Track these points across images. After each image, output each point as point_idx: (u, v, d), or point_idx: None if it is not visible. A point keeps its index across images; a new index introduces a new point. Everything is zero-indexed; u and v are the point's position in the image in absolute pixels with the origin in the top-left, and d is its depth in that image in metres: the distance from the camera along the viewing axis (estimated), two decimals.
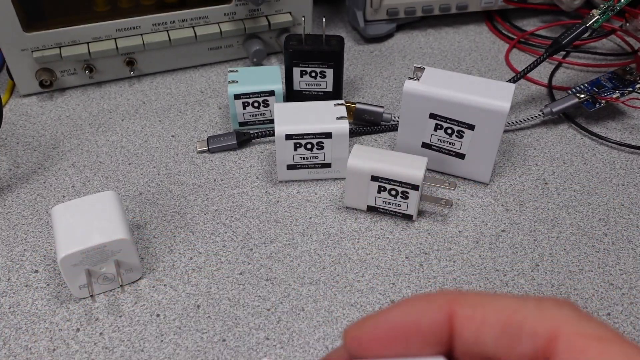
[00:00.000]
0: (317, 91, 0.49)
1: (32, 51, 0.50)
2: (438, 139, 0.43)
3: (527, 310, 0.16)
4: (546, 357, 0.15)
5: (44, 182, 0.44)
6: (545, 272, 0.38)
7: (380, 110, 0.49)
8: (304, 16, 0.49)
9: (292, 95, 0.49)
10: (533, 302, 0.16)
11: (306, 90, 0.49)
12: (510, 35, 0.62)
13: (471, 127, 0.41)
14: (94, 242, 0.33)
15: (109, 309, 0.36)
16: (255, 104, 0.47)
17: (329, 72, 0.48)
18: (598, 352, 0.15)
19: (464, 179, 0.45)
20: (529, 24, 0.63)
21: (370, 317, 0.17)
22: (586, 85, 0.51)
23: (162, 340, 0.34)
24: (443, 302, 0.16)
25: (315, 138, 0.42)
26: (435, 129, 0.43)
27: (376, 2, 0.58)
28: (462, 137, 0.42)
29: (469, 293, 0.16)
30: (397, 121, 0.49)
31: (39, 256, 0.39)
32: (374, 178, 0.39)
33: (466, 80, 0.42)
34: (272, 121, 0.48)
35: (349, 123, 0.42)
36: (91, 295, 0.35)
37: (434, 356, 0.17)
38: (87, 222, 0.35)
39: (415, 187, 0.39)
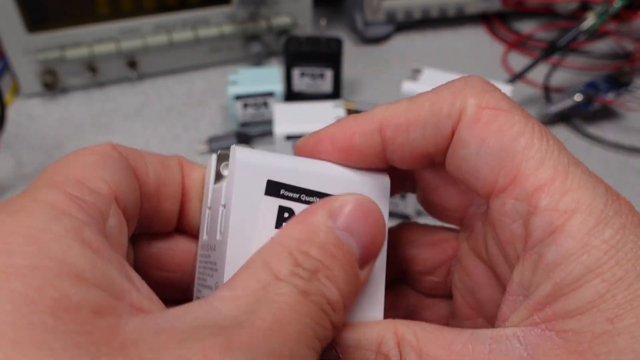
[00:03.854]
0: (317, 92, 0.50)
1: (35, 53, 0.50)
2: None
3: (441, 98, 0.19)
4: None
5: None
6: None
7: None
8: (303, 18, 0.50)
9: (291, 96, 0.50)
10: (444, 89, 0.19)
11: (305, 91, 0.50)
12: (507, 37, 0.62)
13: None
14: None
15: None
16: (255, 105, 0.48)
17: (328, 73, 0.49)
18: (489, 119, 0.18)
19: None
20: (526, 27, 0.64)
21: (314, 133, 0.21)
22: (582, 86, 0.51)
23: None
24: (373, 116, 0.20)
25: None
26: None
27: (375, 4, 0.59)
28: None
29: (393, 104, 0.20)
30: None
31: None
32: None
33: None
34: (271, 122, 0.48)
35: None
36: None
37: (379, 172, 0.20)
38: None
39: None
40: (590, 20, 0.48)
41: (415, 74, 0.43)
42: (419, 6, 0.60)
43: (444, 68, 0.58)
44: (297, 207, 0.19)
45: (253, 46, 0.56)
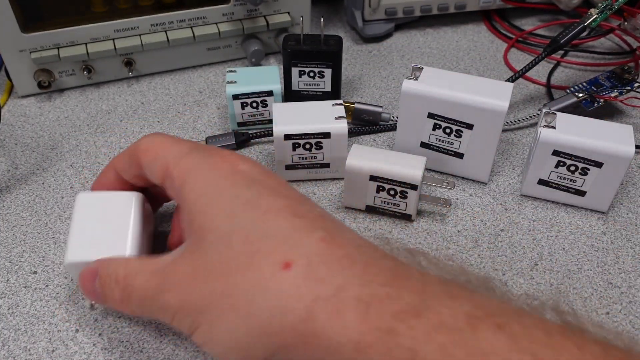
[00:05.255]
0: (316, 91, 0.49)
1: (30, 52, 0.50)
2: (436, 139, 0.43)
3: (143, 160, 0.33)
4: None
5: (43, 183, 0.44)
6: (544, 271, 0.38)
7: (379, 109, 0.49)
8: (302, 16, 0.49)
9: (290, 95, 0.49)
10: (130, 150, 0.34)
11: (305, 90, 0.49)
12: (508, 34, 0.62)
13: (470, 126, 0.41)
14: (100, 255, 0.32)
15: (108, 310, 0.36)
16: (254, 104, 0.47)
17: (328, 72, 0.48)
18: (153, 155, 0.32)
19: (463, 178, 0.45)
20: (528, 23, 0.63)
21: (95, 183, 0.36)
22: (584, 84, 0.51)
23: (161, 341, 0.34)
24: (110, 169, 0.35)
25: (314, 138, 0.42)
26: (434, 129, 0.43)
27: (374, 1, 0.58)
28: (460, 136, 0.42)
29: (121, 155, 0.35)
30: (396, 121, 0.49)
31: (37, 257, 0.39)
32: (373, 178, 0.39)
33: (464, 80, 0.42)
34: (270, 121, 0.48)
35: (348, 123, 0.42)
36: (91, 305, 0.35)
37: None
38: (102, 226, 0.34)
39: (414, 187, 0.39)
40: (592, 17, 0.48)
41: (415, 72, 0.42)
42: (419, 3, 0.59)
43: (444, 66, 0.58)
44: None
45: (251, 45, 0.55)
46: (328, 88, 0.49)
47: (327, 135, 0.42)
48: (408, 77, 0.42)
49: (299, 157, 0.43)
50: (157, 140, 0.32)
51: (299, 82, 0.49)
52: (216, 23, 0.54)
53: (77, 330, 0.35)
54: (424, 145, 0.44)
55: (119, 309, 0.31)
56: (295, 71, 0.48)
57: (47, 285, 0.37)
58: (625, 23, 0.54)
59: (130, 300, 0.29)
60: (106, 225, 0.34)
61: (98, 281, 0.30)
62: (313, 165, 0.43)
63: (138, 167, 0.33)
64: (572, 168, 0.40)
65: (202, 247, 0.27)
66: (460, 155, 0.43)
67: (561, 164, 0.40)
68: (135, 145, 0.33)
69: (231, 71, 0.48)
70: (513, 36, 0.61)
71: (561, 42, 0.48)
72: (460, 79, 0.42)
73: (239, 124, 0.48)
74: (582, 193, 0.41)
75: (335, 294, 0.24)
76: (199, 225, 0.28)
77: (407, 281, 0.24)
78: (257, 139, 0.48)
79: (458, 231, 0.41)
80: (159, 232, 0.40)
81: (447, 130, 0.42)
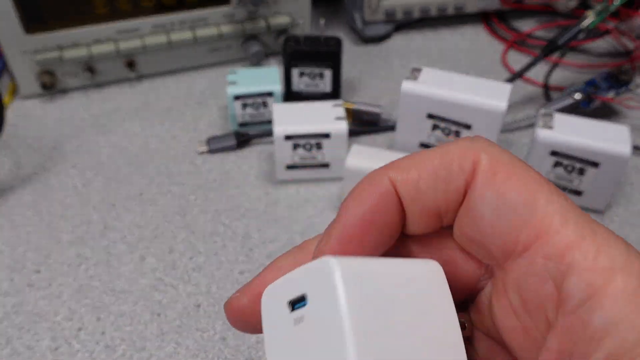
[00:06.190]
0: (316, 92, 0.50)
1: (33, 53, 0.50)
2: (436, 139, 0.44)
3: (451, 152, 0.18)
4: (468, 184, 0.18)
5: (46, 183, 0.45)
6: None
7: (378, 110, 0.49)
8: (302, 17, 0.50)
9: (290, 96, 0.50)
10: (454, 144, 0.18)
11: (305, 91, 0.50)
12: (506, 36, 0.62)
13: (468, 126, 0.42)
14: None
15: (109, 309, 0.36)
16: (255, 105, 0.48)
17: (328, 73, 0.48)
18: (506, 173, 0.17)
19: None
20: (526, 25, 0.63)
21: (332, 227, 0.18)
22: (582, 85, 0.51)
23: (162, 340, 0.35)
24: (382, 176, 0.18)
25: (314, 138, 0.42)
26: (433, 129, 0.43)
27: (374, 3, 0.59)
28: (459, 136, 0.43)
29: (397, 160, 0.19)
30: (395, 121, 0.49)
31: (40, 256, 0.39)
32: None
33: (463, 81, 0.42)
34: (270, 122, 0.48)
35: (348, 123, 0.43)
36: None
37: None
38: None
39: None
40: (589, 19, 0.48)
41: (414, 73, 0.43)
42: (418, 5, 0.60)
43: (443, 67, 0.58)
44: None
45: (252, 46, 0.55)
46: (328, 89, 0.49)
47: (327, 135, 0.42)
48: (407, 78, 0.42)
49: (299, 158, 0.43)
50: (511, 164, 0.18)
51: (299, 83, 0.49)
52: (217, 24, 0.54)
53: (79, 329, 0.35)
54: (423, 145, 0.45)
55: None
56: (295, 72, 0.48)
57: (50, 284, 0.38)
58: (622, 25, 0.54)
59: None
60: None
61: None
62: (313, 165, 0.44)
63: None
64: (570, 168, 0.40)
65: None
66: None
67: (559, 164, 0.41)
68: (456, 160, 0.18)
69: (232, 72, 0.48)
70: (511, 38, 0.61)
71: (559, 43, 0.49)
72: (459, 79, 0.42)
73: (240, 125, 0.49)
74: (579, 193, 0.42)
75: None
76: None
77: None
78: (257, 140, 0.49)
79: None
80: None
81: (446, 131, 0.43)
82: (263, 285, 0.17)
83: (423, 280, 0.17)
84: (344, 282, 0.14)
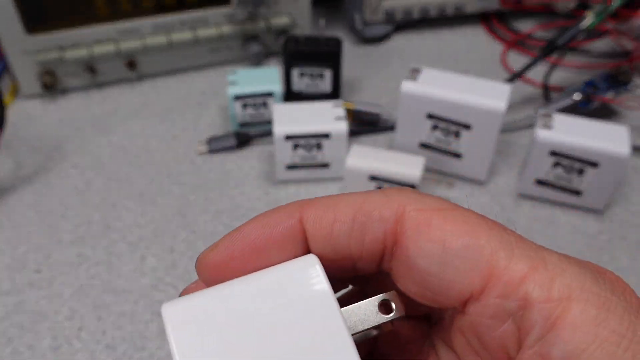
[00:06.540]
0: (316, 92, 0.50)
1: (34, 54, 0.50)
2: (435, 139, 0.44)
3: (373, 200, 0.17)
4: (394, 239, 0.17)
5: (47, 183, 0.45)
6: None
7: (378, 110, 0.50)
8: (302, 18, 0.50)
9: (290, 96, 0.50)
10: (378, 193, 0.17)
11: (305, 91, 0.50)
12: (506, 36, 0.62)
13: (468, 127, 0.42)
14: None
15: (110, 309, 0.36)
16: (255, 105, 0.48)
17: (328, 73, 0.49)
18: (440, 220, 0.16)
19: (461, 178, 0.45)
20: (525, 26, 0.64)
21: (224, 238, 0.18)
22: (581, 85, 0.51)
23: (162, 339, 0.35)
24: (293, 209, 0.17)
25: (314, 138, 0.42)
26: (433, 129, 0.43)
27: (374, 3, 0.59)
28: (459, 136, 0.43)
29: (317, 198, 0.18)
30: (395, 121, 0.50)
31: (41, 256, 0.40)
32: (372, 178, 0.40)
33: (463, 81, 0.42)
34: (271, 122, 0.48)
35: (348, 123, 0.43)
36: None
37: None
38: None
39: (412, 187, 0.39)
40: (589, 19, 0.48)
41: (414, 73, 0.43)
42: (418, 6, 0.60)
43: (443, 67, 0.58)
44: None
45: (252, 46, 0.56)
46: (328, 89, 0.50)
47: (327, 135, 0.42)
48: (407, 78, 0.43)
49: (299, 158, 0.43)
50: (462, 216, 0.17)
51: (299, 83, 0.49)
52: (217, 25, 0.55)
53: (80, 328, 0.35)
54: (422, 145, 0.45)
55: None
56: (295, 72, 0.49)
57: (51, 284, 0.38)
58: (621, 25, 0.55)
59: None
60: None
61: None
62: (313, 165, 0.44)
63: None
64: (569, 168, 0.41)
65: None
66: (458, 156, 0.44)
67: (558, 164, 0.41)
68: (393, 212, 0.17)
69: (232, 72, 0.48)
70: (510, 38, 0.62)
71: (558, 44, 0.49)
72: (459, 80, 0.42)
73: (240, 125, 0.49)
74: (578, 193, 0.42)
75: None
76: None
77: None
78: (257, 140, 0.49)
79: None
80: None
81: (446, 131, 0.43)
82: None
83: (294, 285, 0.17)
84: (172, 328, 0.16)
